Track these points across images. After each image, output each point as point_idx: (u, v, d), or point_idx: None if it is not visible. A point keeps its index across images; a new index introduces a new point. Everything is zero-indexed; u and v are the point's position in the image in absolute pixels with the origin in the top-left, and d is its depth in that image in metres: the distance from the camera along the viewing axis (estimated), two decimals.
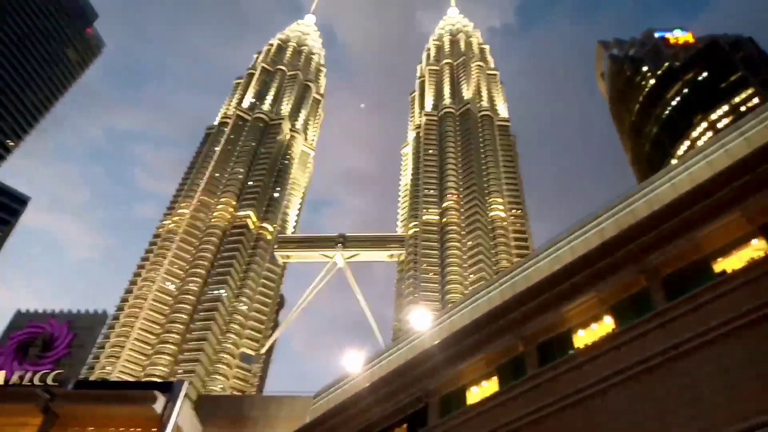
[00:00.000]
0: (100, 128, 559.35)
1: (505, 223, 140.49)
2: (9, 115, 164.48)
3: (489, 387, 28.37)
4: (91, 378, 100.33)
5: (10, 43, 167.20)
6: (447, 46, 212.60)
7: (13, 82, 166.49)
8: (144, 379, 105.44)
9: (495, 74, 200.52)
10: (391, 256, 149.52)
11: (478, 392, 28.73)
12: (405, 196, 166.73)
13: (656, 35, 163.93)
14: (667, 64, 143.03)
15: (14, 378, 50.87)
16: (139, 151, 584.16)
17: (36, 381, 50.09)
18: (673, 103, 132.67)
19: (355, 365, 44.05)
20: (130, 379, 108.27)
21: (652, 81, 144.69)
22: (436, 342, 33.50)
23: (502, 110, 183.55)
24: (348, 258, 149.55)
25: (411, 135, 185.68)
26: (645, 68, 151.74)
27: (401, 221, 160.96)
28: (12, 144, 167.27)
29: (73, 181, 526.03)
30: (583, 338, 25.08)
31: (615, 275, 24.68)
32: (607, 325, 24.45)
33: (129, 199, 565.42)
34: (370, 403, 36.52)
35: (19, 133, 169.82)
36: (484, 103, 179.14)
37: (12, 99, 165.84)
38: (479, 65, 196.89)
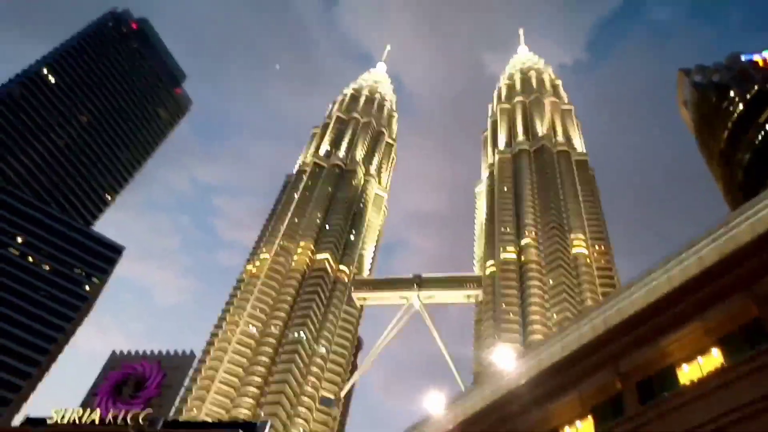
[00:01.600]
0: (186, 181, 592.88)
1: (588, 260, 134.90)
2: (106, 171, 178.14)
3: (584, 428, 26.59)
4: (175, 419, 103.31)
5: (109, 106, 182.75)
6: (518, 84, 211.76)
7: (111, 141, 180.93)
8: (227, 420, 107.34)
9: (570, 109, 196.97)
10: (468, 297, 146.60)
11: None
12: (480, 235, 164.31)
13: (743, 58, 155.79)
14: (757, 87, 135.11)
15: (109, 416, 53.15)
16: (219, 202, 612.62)
17: (128, 420, 52.09)
18: (767, 127, 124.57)
19: (436, 407, 42.83)
20: (214, 421, 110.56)
21: (741, 106, 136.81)
22: (524, 381, 32.01)
23: (579, 145, 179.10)
24: (424, 299, 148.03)
25: (484, 174, 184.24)
26: (732, 93, 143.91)
27: (477, 261, 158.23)
28: (109, 198, 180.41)
29: (162, 231, 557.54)
30: (687, 374, 23.11)
31: (722, 303, 22.79)
32: (715, 358, 22.44)
33: (212, 248, 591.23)
34: None
35: (115, 188, 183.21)
36: (560, 139, 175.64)
37: (110, 156, 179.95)
38: (553, 101, 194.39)
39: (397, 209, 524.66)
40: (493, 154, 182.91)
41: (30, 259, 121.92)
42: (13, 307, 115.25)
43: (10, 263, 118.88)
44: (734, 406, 19.82)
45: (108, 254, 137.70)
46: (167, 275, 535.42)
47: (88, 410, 54.54)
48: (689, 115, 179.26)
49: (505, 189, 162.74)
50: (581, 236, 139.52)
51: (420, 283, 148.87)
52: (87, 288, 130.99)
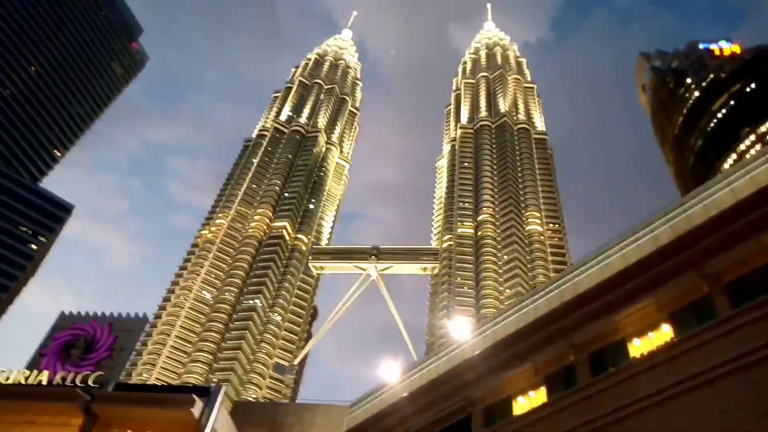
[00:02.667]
0: (138, 140, 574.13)
1: (542, 238, 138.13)
2: (56, 125, 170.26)
3: (537, 397, 27.37)
4: (126, 382, 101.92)
5: (60, 57, 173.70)
6: (483, 60, 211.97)
7: (61, 94, 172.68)
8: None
9: (532, 87, 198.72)
10: (425, 269, 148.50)
11: (525, 403, 27.75)
12: (440, 209, 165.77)
13: (701, 46, 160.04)
14: (712, 75, 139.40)
15: (57, 378, 51.72)
16: (176, 164, 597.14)
17: (77, 382, 50.82)
18: (719, 115, 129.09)
19: (391, 375, 43.38)
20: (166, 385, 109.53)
21: (697, 93, 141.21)
22: (480, 350, 32.63)
23: (539, 123, 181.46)
24: (381, 270, 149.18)
25: (446, 148, 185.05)
26: (689, 80, 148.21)
27: (435, 234, 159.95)
28: (58, 154, 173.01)
29: (113, 192, 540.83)
30: (638, 347, 23.95)
31: (674, 280, 23.58)
32: (665, 333, 23.29)
33: (165, 210, 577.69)
34: (409, 412, 35.85)
35: (65, 144, 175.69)
36: (521, 116, 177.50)
37: (60, 110, 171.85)
38: (516, 78, 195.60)
39: (358, 179, 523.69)
40: (456, 129, 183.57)
41: None
42: None
43: None
44: (681, 378, 20.66)
45: (56, 213, 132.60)
46: (118, 237, 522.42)
47: (35, 371, 52.89)
48: (647, 99, 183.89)
49: (466, 164, 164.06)
50: (536, 214, 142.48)
51: (377, 254, 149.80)
52: (33, 246, 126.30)
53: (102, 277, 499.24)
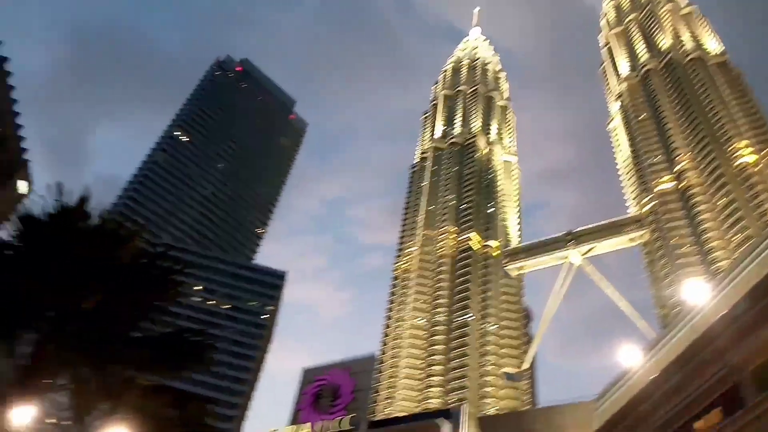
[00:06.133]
0: (317, 200, 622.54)
1: (757, 168, 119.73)
2: (252, 208, 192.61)
3: None
4: (375, 419, 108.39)
5: (239, 149, 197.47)
6: (626, 2, 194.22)
7: (249, 180, 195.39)
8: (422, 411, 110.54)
9: (690, 11, 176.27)
10: (632, 239, 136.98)
11: None
12: (627, 173, 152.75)
13: None
14: None
15: (317, 428, 56.93)
16: (355, 211, 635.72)
17: (339, 427, 55.39)
18: None
19: (630, 360, 40.28)
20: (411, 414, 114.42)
21: None
22: (727, 309, 28.84)
23: (713, 46, 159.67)
24: (585, 254, 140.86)
25: (613, 107, 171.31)
26: None
27: (632, 200, 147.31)
28: (260, 231, 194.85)
29: (310, 252, 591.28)
30: None
31: None
32: None
33: (358, 255, 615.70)
34: (662, 394, 32.84)
35: (263, 222, 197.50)
36: (688, 46, 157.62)
37: (251, 193, 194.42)
38: (670, 8, 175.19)
39: (530, 170, 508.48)
40: (619, 84, 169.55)
41: (211, 302, 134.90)
42: (230, 342, 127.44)
43: (197, 310, 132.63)
44: None
45: (275, 282, 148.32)
46: (325, 290, 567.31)
47: (296, 426, 58.78)
48: None
49: (642, 117, 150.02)
50: (741, 144, 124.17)
51: (575, 238, 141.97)
52: (264, 317, 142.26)
53: (324, 328, 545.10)
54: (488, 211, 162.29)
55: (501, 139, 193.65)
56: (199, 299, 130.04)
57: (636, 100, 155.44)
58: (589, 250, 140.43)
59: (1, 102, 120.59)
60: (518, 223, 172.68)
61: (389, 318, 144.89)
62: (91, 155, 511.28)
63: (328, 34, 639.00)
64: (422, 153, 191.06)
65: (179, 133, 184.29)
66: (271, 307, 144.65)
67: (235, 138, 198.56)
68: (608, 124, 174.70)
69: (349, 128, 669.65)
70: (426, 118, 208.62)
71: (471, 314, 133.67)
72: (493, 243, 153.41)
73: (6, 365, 8.06)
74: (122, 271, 8.60)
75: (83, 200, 8.62)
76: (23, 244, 8.66)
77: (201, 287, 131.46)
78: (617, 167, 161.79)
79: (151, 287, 9.02)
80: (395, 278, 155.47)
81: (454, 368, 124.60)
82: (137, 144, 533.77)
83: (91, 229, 8.62)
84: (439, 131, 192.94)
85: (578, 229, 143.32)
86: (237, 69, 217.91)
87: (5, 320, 8.10)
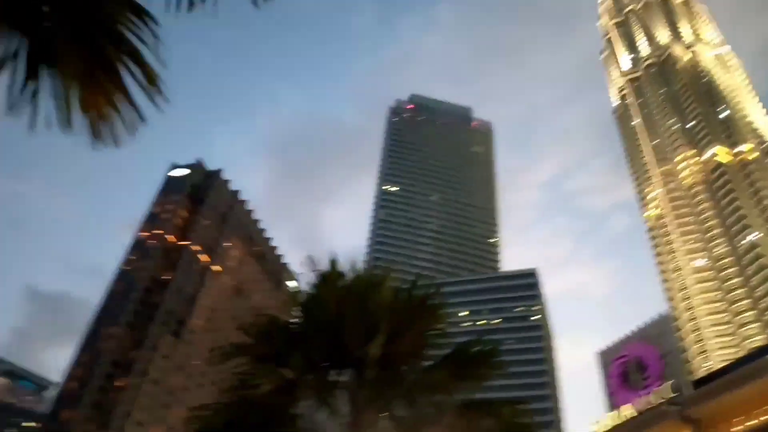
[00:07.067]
0: (534, 188, 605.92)
1: None
2: (477, 221, 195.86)
3: None
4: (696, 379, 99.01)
5: (437, 171, 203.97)
6: None
7: (464, 198, 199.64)
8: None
9: None
10: None
11: None
12: None
13: None
14: None
15: (641, 406, 54.28)
16: (575, 185, 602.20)
17: (657, 400, 52.31)
18: None
19: None
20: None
21: None
22: None
23: None
24: None
25: None
26: None
27: None
28: (495, 240, 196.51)
29: (549, 241, 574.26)
30: None
31: None
32: None
33: (597, 226, 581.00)
34: None
35: (493, 231, 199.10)
36: None
37: (470, 208, 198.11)
38: None
39: (748, 52, 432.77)
40: None
41: (480, 323, 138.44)
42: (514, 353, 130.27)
43: (470, 334, 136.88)
44: None
45: (529, 282, 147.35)
46: (584, 271, 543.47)
47: (616, 411, 56.81)
48: None
49: None
50: None
51: None
52: (535, 318, 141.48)
53: (599, 308, 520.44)
54: (721, 117, 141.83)
55: (699, 36, 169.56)
56: (469, 323, 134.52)
57: None
58: None
59: (250, 225, 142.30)
60: (766, 113, 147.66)
61: (664, 273, 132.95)
62: (327, 235, 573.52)
63: (468, 33, 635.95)
64: (619, 91, 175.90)
65: (387, 186, 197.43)
66: (538, 306, 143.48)
67: (434, 167, 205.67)
68: None
69: (529, 108, 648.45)
70: (605, 57, 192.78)
71: (755, 232, 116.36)
72: (744, 147, 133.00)
73: (335, 427, 9.19)
74: (393, 311, 9.31)
75: (333, 262, 9.63)
76: (304, 316, 9.84)
77: (466, 312, 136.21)
78: None
79: (421, 316, 9.63)
80: (650, 230, 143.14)
81: (763, 296, 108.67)
82: (358, 212, 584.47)
83: (348, 283, 9.66)
84: (626, 63, 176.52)
85: None
86: (409, 107, 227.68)
87: (320, 385, 9.28)
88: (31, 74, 4.27)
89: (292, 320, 9.96)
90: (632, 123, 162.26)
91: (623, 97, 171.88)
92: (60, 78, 4.31)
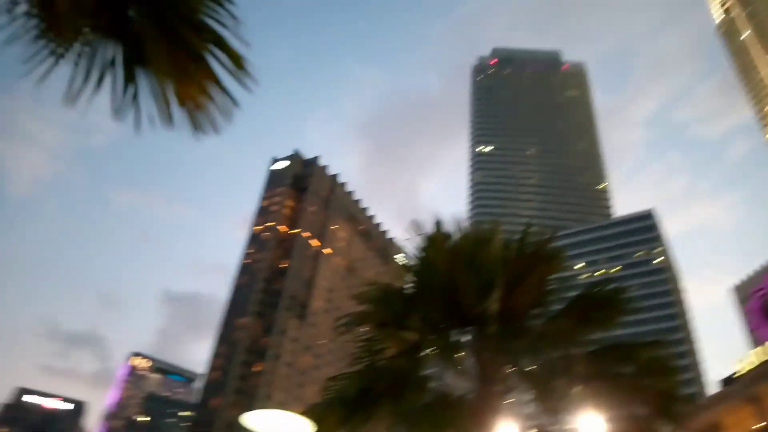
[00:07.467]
0: (639, 126, 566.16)
1: None
2: (582, 169, 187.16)
3: None
4: None
5: (529, 124, 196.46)
6: None
7: (565, 146, 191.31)
8: None
9: None
10: None
11: None
12: None
13: None
14: None
15: None
16: (681, 113, 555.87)
17: None
18: None
19: None
20: None
21: None
22: None
23: None
24: None
25: None
26: None
27: None
28: (603, 186, 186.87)
29: (664, 178, 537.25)
30: None
31: None
32: None
33: (714, 154, 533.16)
34: None
35: (600, 177, 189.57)
36: None
37: (574, 158, 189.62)
38: None
39: None
40: None
41: (599, 273, 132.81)
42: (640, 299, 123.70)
43: (603, 283, 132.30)
44: None
45: (645, 224, 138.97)
46: (705, 205, 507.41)
47: (763, 347, 52.44)
48: None
49: None
50: None
51: None
52: (657, 260, 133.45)
53: (726, 241, 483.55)
54: None
55: None
56: (588, 275, 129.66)
57: None
58: None
59: (352, 206, 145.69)
60: None
61: None
62: (427, 206, 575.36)
63: None
64: (722, 4, 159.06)
65: (481, 147, 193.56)
66: (659, 248, 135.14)
67: (527, 120, 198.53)
68: None
69: (621, 41, 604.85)
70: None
71: None
72: None
73: (464, 386, 9.02)
74: (506, 264, 8.98)
75: (438, 224, 9.37)
76: (416, 280, 9.70)
77: (582, 264, 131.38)
78: None
79: (537, 265, 9.08)
80: None
81: None
82: (455, 178, 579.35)
83: (455, 243, 9.40)
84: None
85: None
86: (492, 63, 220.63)
87: (443, 345, 9.22)
88: (129, 78, 4.52)
89: (405, 286, 9.97)
90: (741, 37, 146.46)
91: (727, 11, 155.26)
92: (155, 76, 4.52)
